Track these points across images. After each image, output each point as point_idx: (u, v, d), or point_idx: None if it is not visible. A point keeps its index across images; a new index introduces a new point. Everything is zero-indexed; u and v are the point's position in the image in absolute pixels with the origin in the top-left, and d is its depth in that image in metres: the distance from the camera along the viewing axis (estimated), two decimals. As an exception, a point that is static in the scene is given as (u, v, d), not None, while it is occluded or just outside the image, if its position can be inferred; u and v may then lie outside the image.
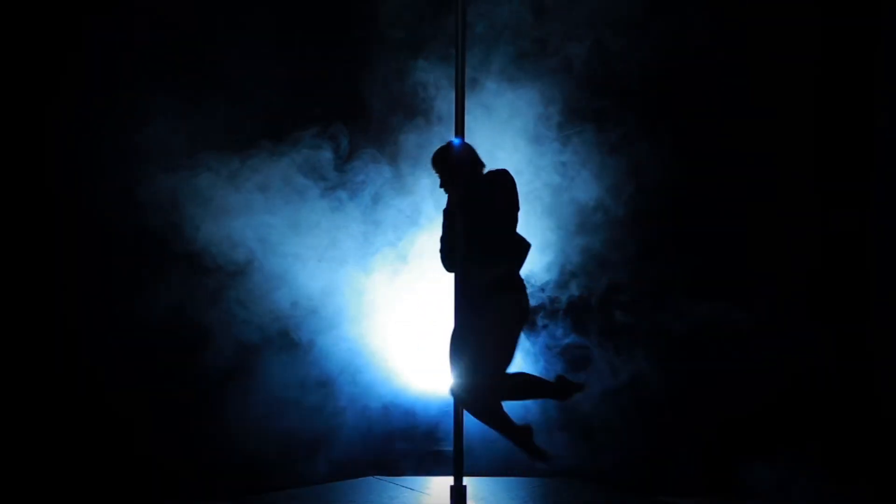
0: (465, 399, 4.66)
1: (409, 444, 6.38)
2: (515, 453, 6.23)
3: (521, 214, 4.76)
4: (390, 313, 6.41)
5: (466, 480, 4.94)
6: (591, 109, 6.42)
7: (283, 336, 6.37)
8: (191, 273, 6.28)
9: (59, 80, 6.34)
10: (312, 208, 6.36)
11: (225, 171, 6.26)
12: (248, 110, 6.37)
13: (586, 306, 6.47)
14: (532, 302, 6.35)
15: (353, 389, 6.40)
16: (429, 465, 6.28)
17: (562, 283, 6.45)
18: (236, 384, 6.32)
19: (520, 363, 5.89)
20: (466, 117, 4.98)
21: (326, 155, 6.36)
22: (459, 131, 4.97)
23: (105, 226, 6.34)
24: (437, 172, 4.90)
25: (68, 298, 6.33)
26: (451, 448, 4.97)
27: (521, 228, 4.76)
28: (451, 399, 4.86)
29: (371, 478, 5.97)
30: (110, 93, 6.33)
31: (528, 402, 6.35)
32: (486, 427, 6.30)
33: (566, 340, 6.47)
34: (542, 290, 6.41)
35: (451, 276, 4.84)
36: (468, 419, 4.80)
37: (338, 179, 6.37)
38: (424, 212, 6.39)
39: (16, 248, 6.29)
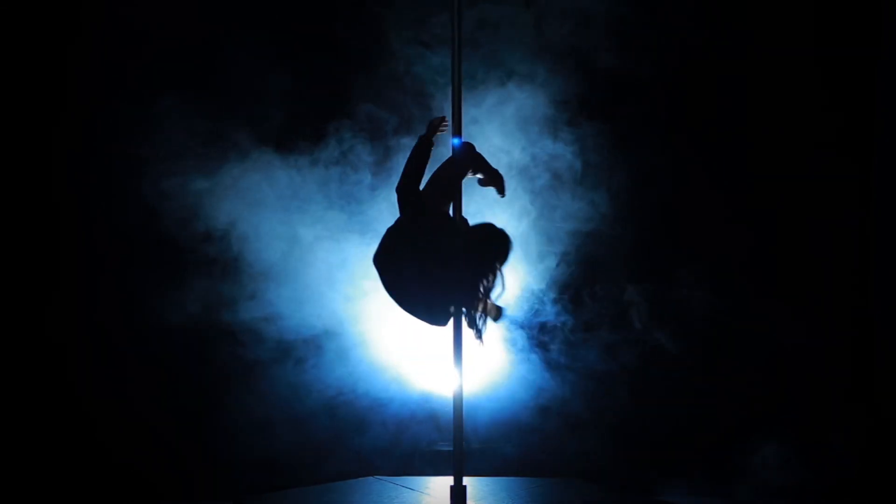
0: None
1: (409, 444, 6.38)
2: (515, 453, 6.37)
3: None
4: (394, 314, 6.40)
5: (466, 480, 4.94)
6: (598, 111, 6.44)
7: (285, 340, 6.37)
8: (203, 279, 6.29)
9: (68, 90, 6.35)
10: (331, 215, 6.36)
11: (233, 177, 6.27)
12: (255, 115, 6.37)
13: (587, 305, 6.48)
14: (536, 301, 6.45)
15: (354, 390, 6.40)
16: (428, 465, 6.28)
17: (563, 283, 6.46)
18: (239, 386, 6.32)
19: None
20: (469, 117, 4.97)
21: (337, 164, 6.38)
22: (457, 131, 4.98)
23: (121, 232, 6.35)
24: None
25: (86, 303, 6.34)
26: (450, 448, 4.97)
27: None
28: (451, 399, 4.88)
29: (371, 478, 5.96)
30: (119, 100, 6.32)
31: (528, 402, 6.39)
32: (486, 427, 6.38)
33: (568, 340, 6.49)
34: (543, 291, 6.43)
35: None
36: (468, 419, 4.80)
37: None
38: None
39: (28, 256, 6.31)
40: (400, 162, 6.28)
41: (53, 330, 6.28)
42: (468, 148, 4.97)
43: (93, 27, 6.33)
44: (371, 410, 6.39)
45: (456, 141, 4.95)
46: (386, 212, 6.25)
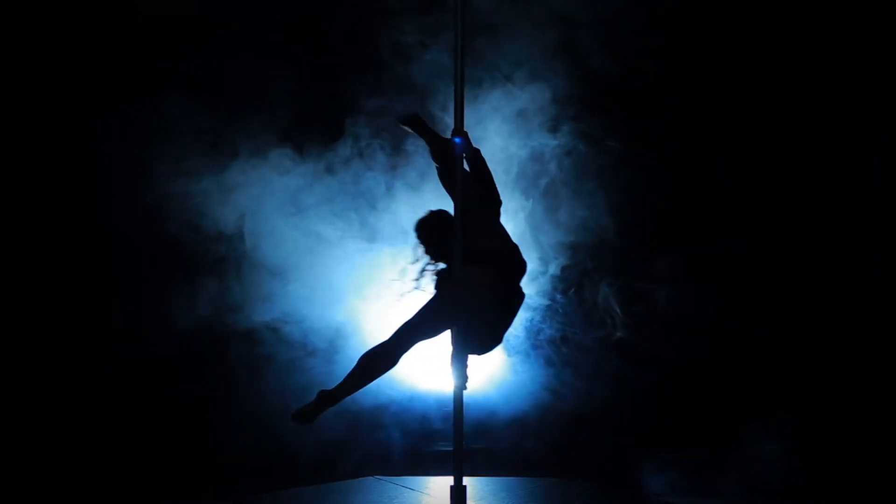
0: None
1: (409, 443, 6.38)
2: (515, 453, 6.37)
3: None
4: (395, 315, 6.41)
5: (466, 480, 4.93)
6: (598, 111, 6.44)
7: (289, 341, 6.37)
8: (209, 280, 6.30)
9: (73, 90, 6.35)
10: (341, 216, 6.37)
11: (241, 179, 6.28)
12: (257, 115, 6.38)
13: (586, 305, 6.48)
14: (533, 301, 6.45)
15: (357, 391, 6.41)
16: (429, 465, 6.28)
17: (562, 284, 6.46)
18: (240, 387, 6.32)
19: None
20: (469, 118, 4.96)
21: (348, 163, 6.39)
22: (459, 131, 4.97)
23: (122, 232, 6.35)
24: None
25: (88, 304, 6.34)
26: (450, 448, 4.97)
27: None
28: (451, 399, 4.89)
29: (371, 478, 5.97)
30: (120, 100, 6.33)
31: (528, 402, 6.40)
32: (486, 427, 6.38)
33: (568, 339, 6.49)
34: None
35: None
36: (468, 419, 4.80)
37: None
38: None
39: (33, 257, 6.32)
40: (403, 162, 6.34)
41: (57, 330, 6.29)
42: (468, 146, 4.92)
43: (93, 27, 6.33)
44: (372, 411, 6.39)
45: (457, 140, 4.92)
46: (386, 214, 6.30)
